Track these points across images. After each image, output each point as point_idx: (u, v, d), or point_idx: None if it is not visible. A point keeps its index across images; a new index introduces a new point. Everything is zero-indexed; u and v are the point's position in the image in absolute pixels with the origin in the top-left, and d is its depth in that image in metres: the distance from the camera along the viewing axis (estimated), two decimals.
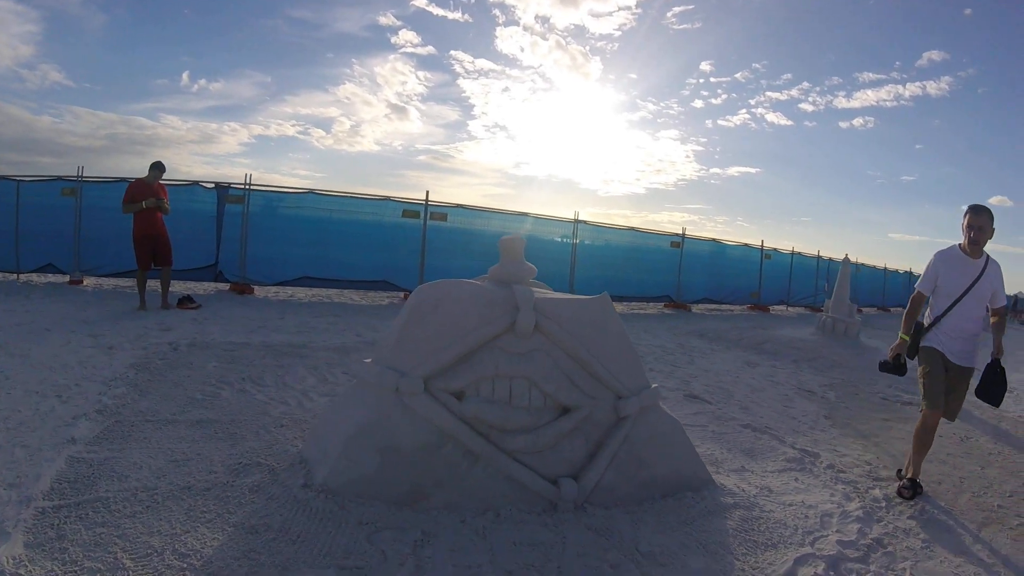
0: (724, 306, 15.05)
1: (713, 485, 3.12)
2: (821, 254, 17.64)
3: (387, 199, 8.92)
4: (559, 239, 11.27)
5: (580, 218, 11.41)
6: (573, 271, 11.12)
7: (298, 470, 2.65)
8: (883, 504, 3.19)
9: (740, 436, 4.17)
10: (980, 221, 3.19)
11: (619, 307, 10.85)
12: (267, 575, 1.93)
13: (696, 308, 13.95)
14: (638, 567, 2.29)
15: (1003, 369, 3.32)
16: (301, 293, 8.76)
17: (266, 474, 2.65)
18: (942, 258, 3.32)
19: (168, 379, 3.89)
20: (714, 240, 14.82)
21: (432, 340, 2.71)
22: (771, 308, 15.72)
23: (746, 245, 15.46)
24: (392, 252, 9.07)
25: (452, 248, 9.82)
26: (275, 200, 8.27)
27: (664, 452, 3.07)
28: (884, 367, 3.53)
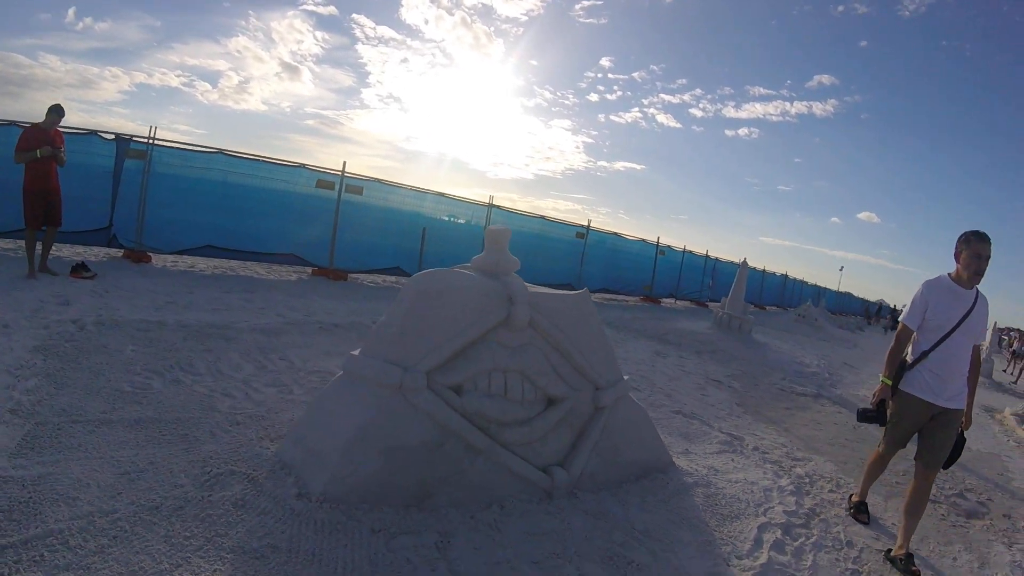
0: (619, 296, 16.01)
1: (674, 467, 3.39)
2: (709, 254, 19.44)
3: (302, 166, 8.19)
4: (466, 222, 11.18)
5: (494, 203, 11.44)
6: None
7: (284, 478, 2.38)
8: (807, 480, 3.70)
9: (674, 422, 4.53)
10: (989, 251, 2.82)
11: None
12: None
13: (595, 297, 14.73)
14: (641, 544, 2.46)
15: (964, 440, 3.00)
16: (203, 264, 7.78)
17: (245, 484, 2.32)
18: (932, 289, 2.93)
19: (84, 367, 3.25)
20: (615, 234, 15.68)
21: (434, 333, 2.59)
22: (662, 300, 17.03)
23: (643, 240, 16.57)
24: (303, 225, 8.40)
25: (366, 224, 9.34)
26: (180, 158, 7.19)
27: (636, 438, 3.27)
28: (865, 416, 3.08)
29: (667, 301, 17.53)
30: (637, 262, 16.53)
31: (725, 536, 2.71)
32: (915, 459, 2.95)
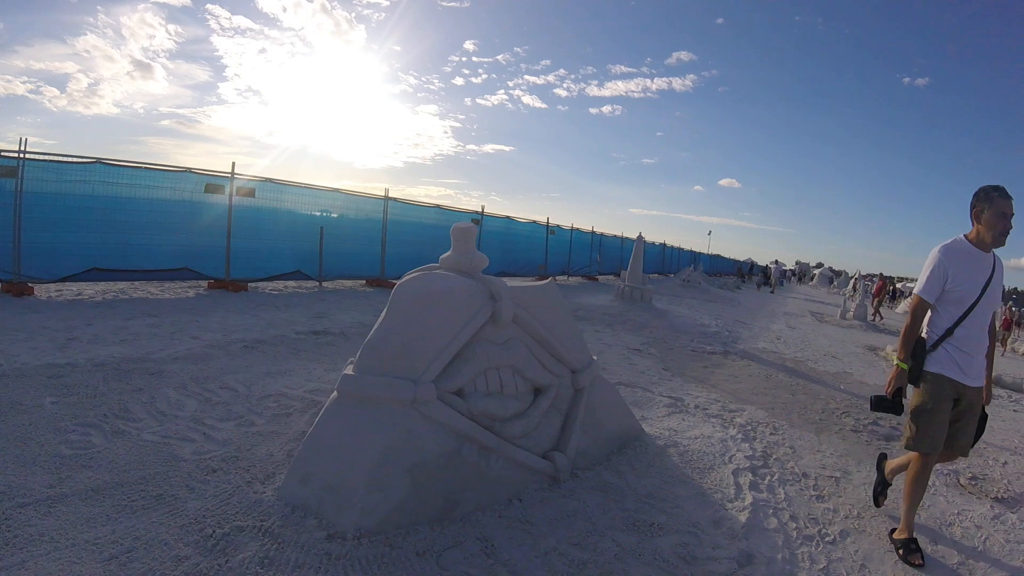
0: (516, 278, 16.43)
1: (644, 433, 3.69)
2: (595, 230, 20.54)
3: (188, 171, 7.27)
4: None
5: (391, 195, 11.14)
6: (384, 249, 10.82)
7: (302, 522, 2.19)
8: (749, 428, 4.21)
9: (621, 392, 4.86)
10: (1013, 208, 2.51)
11: None
12: None
13: None
14: (651, 506, 2.71)
15: (986, 416, 2.76)
16: (89, 290, 6.66)
17: (260, 539, 2.09)
18: (951, 255, 2.57)
19: (3, 434, 2.68)
20: (508, 217, 16.03)
21: (434, 340, 2.56)
22: (556, 278, 17.77)
23: (534, 222, 17.10)
24: (193, 234, 7.53)
25: (261, 228, 8.64)
26: (56, 173, 6.00)
27: (611, 413, 3.50)
28: (879, 406, 2.72)
29: (560, 278, 18.33)
30: (530, 243, 17.08)
31: (710, 485, 3.04)
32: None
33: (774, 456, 3.66)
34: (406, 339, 2.50)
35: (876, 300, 18.15)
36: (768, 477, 3.28)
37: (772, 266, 36.42)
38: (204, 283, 8.01)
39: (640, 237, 11.98)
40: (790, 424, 4.46)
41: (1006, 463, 4.22)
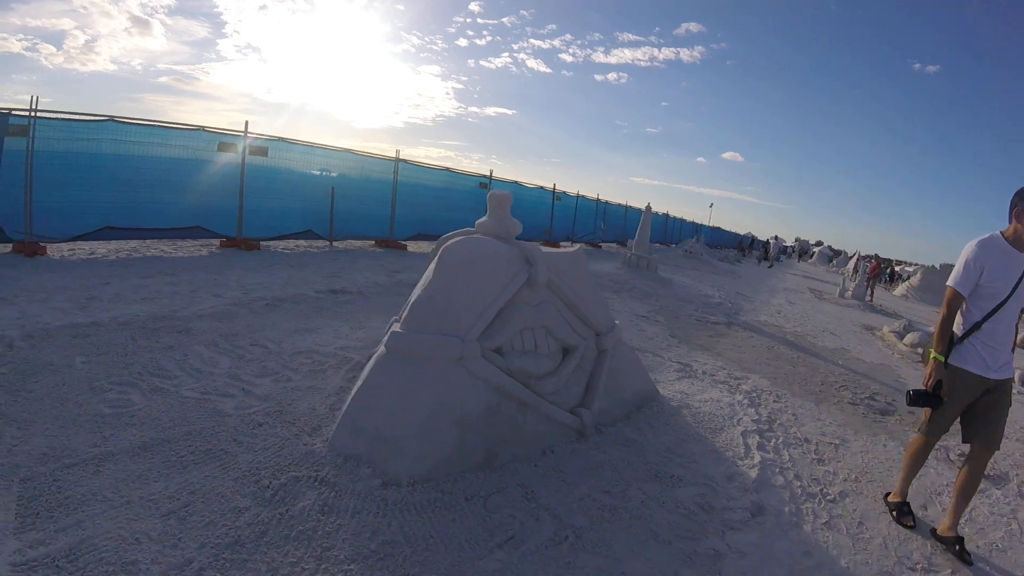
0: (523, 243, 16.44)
1: (659, 395, 3.89)
2: (600, 198, 20.53)
3: (200, 129, 7.25)
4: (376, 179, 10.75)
5: (401, 157, 11.11)
6: (394, 210, 10.84)
7: (357, 470, 2.35)
8: (755, 394, 4.42)
9: None
10: None
11: (430, 245, 11.05)
12: None
13: None
14: (670, 460, 2.94)
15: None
16: (102, 248, 6.72)
17: (318, 487, 2.22)
18: (987, 250, 2.59)
19: (38, 395, 2.74)
20: (515, 182, 15.99)
21: (477, 301, 2.71)
22: (560, 244, 17.87)
23: (541, 188, 17.08)
24: (206, 193, 7.55)
25: (272, 187, 8.67)
26: (67, 131, 5.97)
27: (631, 374, 3.69)
28: (917, 400, 2.71)
29: (564, 244, 18.41)
30: (536, 209, 17.09)
31: (722, 444, 3.27)
32: (969, 441, 2.70)
33: (778, 421, 3.88)
34: (452, 299, 2.65)
35: (870, 281, 18.41)
36: (773, 440, 3.51)
37: (772, 241, 36.44)
38: (216, 241, 8.07)
39: (648, 207, 12.04)
40: (792, 393, 4.68)
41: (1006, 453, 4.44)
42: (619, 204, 23.01)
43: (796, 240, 63.21)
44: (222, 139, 7.68)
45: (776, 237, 38.98)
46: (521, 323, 2.90)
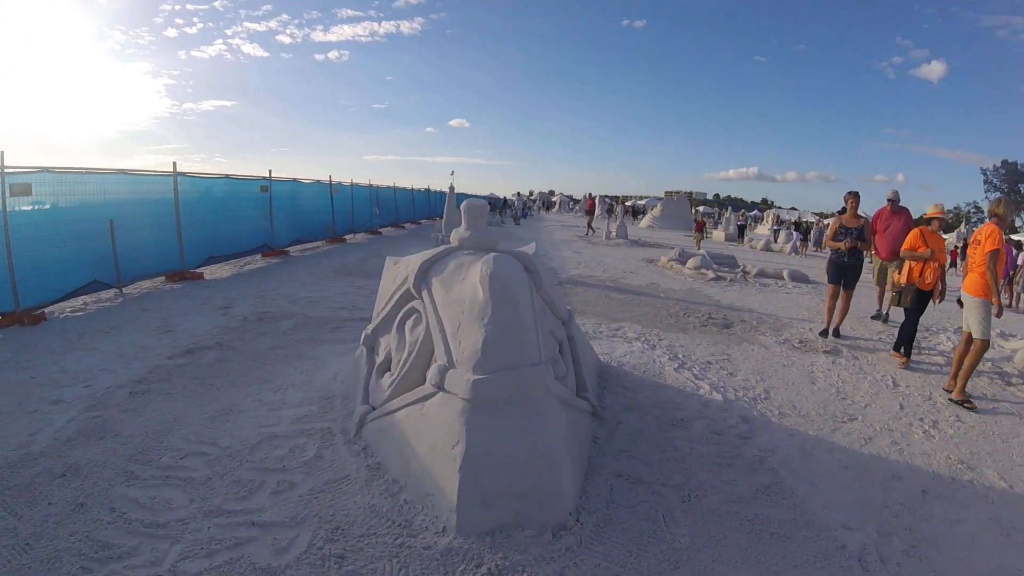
0: (310, 245, 15.19)
1: (601, 362, 4.56)
2: (372, 183, 20.01)
3: None
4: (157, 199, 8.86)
5: (179, 170, 9.22)
6: (180, 233, 9.04)
7: (512, 536, 2.27)
8: (643, 340, 5.43)
9: None
10: None
11: (225, 269, 9.62)
12: None
13: (291, 251, 13.72)
14: (666, 410, 3.66)
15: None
16: None
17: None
18: None
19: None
20: (294, 180, 14.71)
21: (529, 320, 2.80)
22: (347, 238, 17.09)
23: (318, 181, 16.02)
24: None
25: (44, 234, 6.36)
26: None
27: (587, 351, 4.25)
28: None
29: (349, 237, 17.68)
30: (316, 205, 16.02)
31: (677, 384, 4.14)
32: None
33: (679, 356, 4.94)
34: (520, 327, 2.67)
35: (589, 217, 22.26)
36: (694, 369, 4.53)
37: (513, 199, 36.77)
38: None
39: (452, 187, 12.52)
40: (663, 330, 5.87)
41: (811, 328, 6.29)
42: (388, 187, 22.85)
43: (535, 193, 66.64)
44: None
45: (517, 194, 40.41)
46: (542, 330, 3.17)
